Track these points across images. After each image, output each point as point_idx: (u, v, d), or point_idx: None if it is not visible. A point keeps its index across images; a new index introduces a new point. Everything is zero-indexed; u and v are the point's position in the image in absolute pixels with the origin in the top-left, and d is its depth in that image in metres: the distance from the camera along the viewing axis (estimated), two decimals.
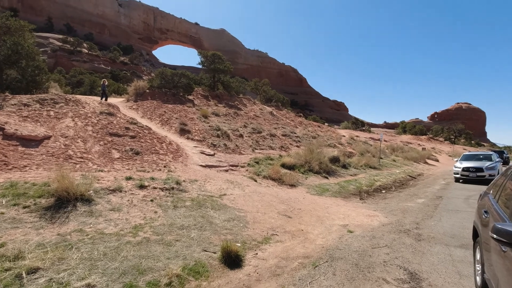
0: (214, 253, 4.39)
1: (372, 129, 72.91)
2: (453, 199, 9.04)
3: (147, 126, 12.70)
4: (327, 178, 12.59)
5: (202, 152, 11.84)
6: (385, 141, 43.13)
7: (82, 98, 15.10)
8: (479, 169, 12.69)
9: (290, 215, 6.75)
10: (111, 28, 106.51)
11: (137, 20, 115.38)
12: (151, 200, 6.11)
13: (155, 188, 6.80)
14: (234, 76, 54.25)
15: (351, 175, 14.27)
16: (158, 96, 21.29)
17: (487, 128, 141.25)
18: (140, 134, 11.35)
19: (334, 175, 13.51)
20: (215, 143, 13.32)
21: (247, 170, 10.96)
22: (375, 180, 13.80)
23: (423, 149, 37.57)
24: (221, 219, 5.78)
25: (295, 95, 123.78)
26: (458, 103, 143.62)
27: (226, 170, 10.50)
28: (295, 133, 22.31)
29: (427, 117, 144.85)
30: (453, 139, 59.96)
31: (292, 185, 10.13)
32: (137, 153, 9.53)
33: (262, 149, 15.31)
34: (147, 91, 22.12)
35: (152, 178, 7.34)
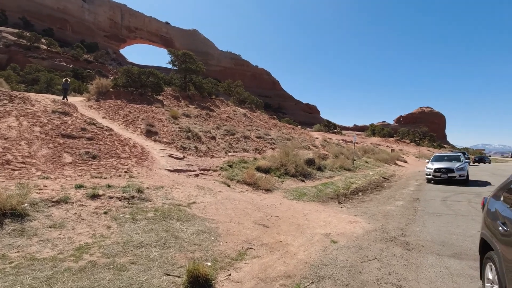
0: (178, 277, 3.61)
1: (343, 131, 74.95)
2: (431, 201, 8.93)
3: (108, 127, 11.48)
4: (303, 181, 12.15)
5: (171, 156, 10.87)
6: (356, 143, 44.33)
7: (33, 95, 13.45)
8: (450, 170, 12.95)
9: (267, 224, 6.11)
10: (74, 24, 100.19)
11: (103, 16, 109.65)
12: (105, 213, 5.16)
13: (111, 197, 5.83)
14: (207, 78, 52.99)
15: (327, 178, 13.99)
16: (124, 96, 19.82)
17: (446, 131, 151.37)
18: (99, 136, 10.16)
19: (311, 178, 13.13)
20: (185, 146, 12.38)
21: (219, 174, 10.19)
22: (351, 183, 13.62)
23: (392, 150, 38.97)
24: (189, 232, 4.99)
25: (268, 98, 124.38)
26: (421, 107, 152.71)
27: (197, 175, 9.65)
28: (270, 135, 21.85)
29: (394, 120, 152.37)
30: (418, 141, 63.20)
31: (268, 190, 9.51)
32: (93, 157, 8.40)
33: (236, 151, 14.59)
34: (111, 90, 20.52)
35: (109, 186, 6.35)
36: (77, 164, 7.70)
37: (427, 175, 13.87)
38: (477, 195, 9.84)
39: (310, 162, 15.32)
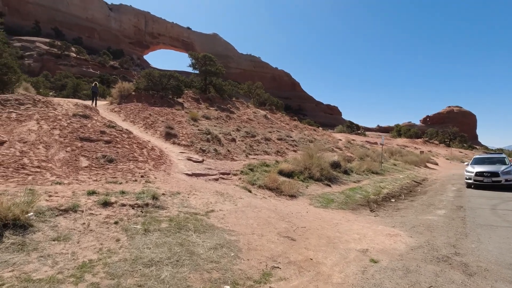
0: None
1: (366, 133, 72.30)
2: (478, 210, 7.83)
3: (127, 130, 11.27)
4: (329, 186, 11.32)
5: (189, 159, 10.46)
6: (381, 144, 42.35)
7: (57, 100, 13.60)
8: (495, 174, 11.58)
9: (294, 236, 5.42)
10: (101, 32, 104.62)
11: (128, 24, 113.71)
12: (115, 223, 4.72)
13: (123, 205, 5.40)
14: (227, 80, 53.03)
15: (354, 182, 13.03)
16: (145, 99, 19.86)
17: (477, 131, 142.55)
18: (118, 139, 9.93)
19: (337, 182, 12.25)
20: (204, 148, 11.95)
21: (240, 178, 9.62)
22: (381, 187, 12.58)
23: (421, 152, 36.77)
24: (206, 247, 4.42)
25: (288, 99, 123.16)
26: (449, 106, 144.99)
27: (216, 179, 9.14)
28: (291, 137, 21.08)
29: (420, 120, 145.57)
30: (448, 142, 59.63)
31: (292, 196, 8.81)
32: (110, 161, 8.10)
33: (257, 154, 13.99)
34: (133, 93, 20.67)
35: (123, 192, 5.94)
36: (93, 168, 7.41)
37: (467, 179, 12.53)
38: None
39: (335, 165, 14.42)
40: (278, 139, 18.93)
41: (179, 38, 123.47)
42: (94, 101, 18.72)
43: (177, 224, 5.04)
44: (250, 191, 8.36)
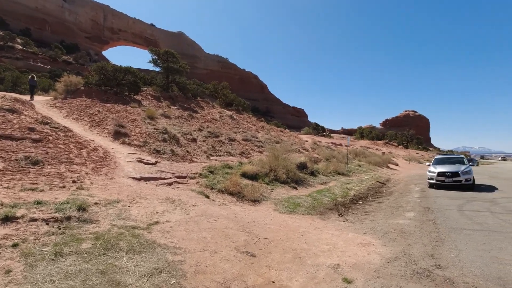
0: None
1: (331, 135, 74.36)
2: (446, 211, 7.61)
3: (65, 128, 9.67)
4: (296, 188, 10.68)
5: (140, 161, 9.18)
6: (346, 146, 43.42)
7: None
8: (455, 174, 11.79)
9: (254, 251, 4.55)
10: (53, 24, 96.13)
11: (85, 17, 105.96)
12: (14, 245, 3.49)
13: (33, 220, 4.14)
14: (192, 79, 51.14)
15: (321, 184, 12.57)
16: (96, 95, 17.88)
17: (430, 134, 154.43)
18: (51, 137, 8.36)
19: (303, 184, 11.68)
20: (159, 149, 10.69)
21: (198, 182, 8.57)
22: (348, 189, 12.25)
23: (383, 153, 38.23)
24: (139, 274, 3.38)
25: (256, 101, 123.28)
26: (406, 110, 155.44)
27: (170, 184, 8.01)
28: (257, 138, 20.35)
29: (380, 123, 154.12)
30: (406, 144, 63.27)
31: (255, 201, 7.96)
32: (35, 163, 6.63)
33: (220, 155, 12.99)
34: (82, 88, 18.53)
35: (38, 203, 4.65)
36: (8, 172, 5.92)
37: (429, 179, 12.67)
38: (493, 203, 8.63)
39: (302, 167, 13.91)
40: (244, 140, 18.07)
41: (142, 35, 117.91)
42: (32, 95, 16.71)
43: (104, 243, 3.92)
44: (207, 197, 7.36)
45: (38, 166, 6.57)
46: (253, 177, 10.16)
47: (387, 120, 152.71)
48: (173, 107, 22.13)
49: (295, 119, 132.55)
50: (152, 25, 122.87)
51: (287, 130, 47.25)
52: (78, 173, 6.83)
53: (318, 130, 65.28)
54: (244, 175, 10.02)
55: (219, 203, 7.08)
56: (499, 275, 3.63)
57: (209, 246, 4.48)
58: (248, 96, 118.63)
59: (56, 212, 4.47)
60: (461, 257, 4.30)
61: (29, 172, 6.17)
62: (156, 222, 4.97)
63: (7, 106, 9.50)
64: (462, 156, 14.27)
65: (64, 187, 5.85)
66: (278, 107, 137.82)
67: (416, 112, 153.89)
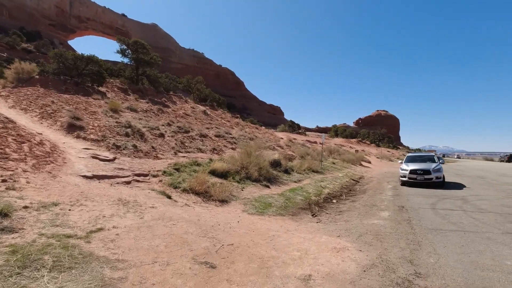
0: None
1: (306, 132, 75.22)
2: (420, 210, 7.45)
3: (6, 118, 8.42)
4: (268, 187, 10.18)
5: (95, 157, 8.19)
6: (320, 143, 43.86)
7: None
8: (427, 172, 11.89)
9: (215, 261, 3.94)
10: (12, 9, 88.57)
11: (48, 3, 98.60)
12: None
13: None
14: (165, 73, 49.12)
15: (295, 182, 12.19)
16: (53, 85, 16.25)
17: (400, 133, 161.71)
18: None
19: (276, 182, 11.21)
20: (119, 144, 9.71)
21: (160, 181, 7.77)
22: (322, 187, 11.97)
23: (356, 151, 39.03)
24: None
25: (232, 98, 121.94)
26: (378, 110, 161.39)
27: (128, 182, 7.16)
28: (231, 134, 19.67)
29: (353, 122, 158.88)
30: (378, 142, 65.39)
31: (223, 201, 7.33)
32: None
33: (189, 152, 12.18)
34: (37, 77, 16.79)
35: None
36: None
37: (401, 177, 12.73)
38: (464, 201, 8.65)
39: (275, 164, 13.46)
40: (216, 136, 17.32)
41: (112, 25, 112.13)
42: None
43: (22, 259, 3.11)
44: (169, 197, 6.62)
45: None
46: (223, 175, 9.51)
47: (360, 119, 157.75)
48: (141, 100, 20.83)
49: (271, 117, 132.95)
50: (123, 15, 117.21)
51: (263, 127, 46.92)
52: (13, 170, 5.81)
53: (294, 127, 65.63)
54: (214, 173, 9.35)
55: (182, 204, 6.37)
56: (484, 285, 3.30)
57: (161, 256, 3.80)
58: (224, 92, 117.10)
59: None
60: (441, 262, 3.97)
61: None
62: (100, 229, 4.19)
63: None
64: (433, 154, 14.56)
65: None
66: (255, 104, 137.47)
67: (387, 111, 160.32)
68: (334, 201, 9.90)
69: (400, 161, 14.93)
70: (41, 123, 10.17)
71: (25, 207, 4.35)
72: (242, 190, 8.80)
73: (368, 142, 64.96)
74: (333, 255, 4.37)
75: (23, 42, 69.14)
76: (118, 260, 3.50)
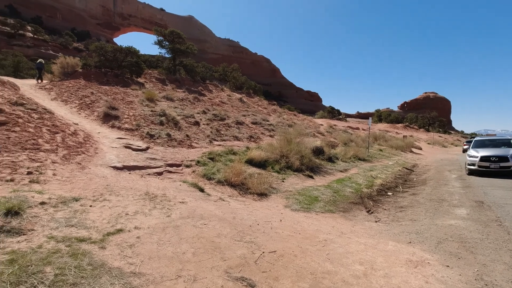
0: None
1: (347, 119, 71.39)
2: (508, 207, 5.88)
3: (45, 109, 8.40)
4: (311, 177, 9.11)
5: (128, 146, 7.82)
6: (363, 129, 41.01)
7: None
8: (503, 158, 9.85)
9: (254, 276, 3.09)
10: (64, 12, 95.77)
11: (94, 3, 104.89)
12: None
13: None
14: (202, 63, 49.32)
15: (341, 171, 10.94)
16: (95, 77, 16.63)
17: (451, 116, 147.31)
18: (20, 120, 7.09)
19: (320, 172, 10.09)
20: (153, 133, 9.30)
21: (194, 171, 7.14)
22: (373, 177, 10.56)
23: (404, 137, 35.79)
24: None
25: (268, 86, 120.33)
26: (426, 92, 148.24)
27: (159, 173, 6.62)
28: (268, 121, 18.72)
29: (398, 106, 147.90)
30: (427, 127, 59.81)
31: (262, 194, 6.47)
32: None
33: (224, 140, 11.52)
34: (80, 70, 17.34)
35: None
36: None
37: (469, 165, 10.76)
38: None
39: (318, 152, 12.28)
40: (253, 123, 16.51)
41: (152, 20, 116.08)
42: (39, 78, 16.01)
43: (19, 272, 2.53)
44: (202, 190, 5.92)
45: None
46: (261, 164, 8.66)
47: (405, 102, 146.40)
48: (178, 90, 20.70)
49: (308, 103, 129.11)
50: (162, 9, 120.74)
51: (301, 114, 45.21)
52: (41, 162, 5.52)
53: (334, 113, 62.53)
54: (251, 162, 8.53)
55: (216, 199, 5.63)
56: None
57: (188, 268, 3.04)
58: (260, 80, 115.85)
59: None
60: None
61: None
62: (119, 230, 3.56)
63: None
64: (510, 137, 12.15)
65: (12, 180, 4.53)
66: (291, 91, 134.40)
67: (436, 93, 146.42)
68: (390, 193, 8.53)
69: (466, 147, 12.74)
70: (79, 113, 10.17)
71: (42, 203, 3.89)
72: (283, 181, 7.86)
73: (416, 127, 59.57)
74: (411, 272, 3.26)
75: (74, 42, 74.60)
76: (134, 274, 2.80)
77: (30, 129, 6.81)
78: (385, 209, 6.55)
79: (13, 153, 5.54)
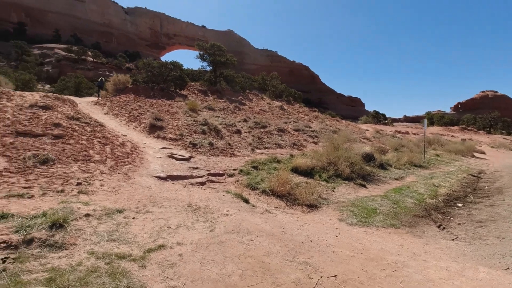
0: None
1: (394, 123, 66.82)
2: None
3: (97, 122, 8.84)
4: (364, 186, 8.24)
5: (171, 156, 7.81)
6: (413, 134, 37.87)
7: (22, 93, 11.43)
8: None
9: None
10: (118, 36, 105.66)
11: (144, 27, 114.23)
12: None
13: None
14: (241, 73, 50.21)
15: (396, 179, 9.84)
16: (143, 92, 17.54)
17: None
18: (75, 133, 7.46)
19: (373, 180, 9.14)
20: (195, 142, 9.26)
21: (237, 181, 6.82)
22: (435, 186, 9.29)
23: (463, 140, 32.16)
24: None
25: (308, 93, 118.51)
26: (483, 91, 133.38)
27: (202, 183, 6.41)
28: (311, 128, 17.99)
29: (450, 108, 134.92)
30: (488, 129, 53.35)
31: (312, 206, 5.87)
32: (44, 162, 5.60)
33: (266, 148, 11.12)
34: (130, 86, 18.46)
35: (3, 217, 3.34)
36: (6, 174, 4.91)
37: None
38: None
39: (368, 158, 11.27)
40: (295, 130, 15.93)
41: (194, 37, 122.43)
42: (98, 95, 17.71)
43: None
44: (246, 201, 5.53)
45: (46, 165, 5.51)
46: (308, 173, 8.05)
47: (459, 103, 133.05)
48: (219, 100, 21.01)
49: (350, 109, 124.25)
50: (203, 26, 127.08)
51: (343, 120, 43.30)
52: (91, 172, 5.62)
53: (379, 118, 59.07)
54: (296, 170, 7.98)
55: (261, 210, 5.18)
56: None
57: None
58: (299, 88, 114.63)
59: (16, 231, 3.08)
60: None
61: (30, 173, 5.09)
62: (160, 246, 3.28)
63: (41, 103, 9.02)
64: None
65: (62, 191, 4.60)
66: (332, 97, 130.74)
67: (496, 92, 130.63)
68: (460, 204, 7.31)
69: None
70: (128, 125, 10.60)
71: (87, 215, 3.80)
72: (333, 191, 7.16)
73: (475, 129, 53.38)
74: None
75: (126, 62, 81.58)
76: None
77: (83, 141, 7.12)
78: (459, 224, 5.51)
79: (66, 165, 5.74)
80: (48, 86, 34.85)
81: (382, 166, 11.55)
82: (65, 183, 4.89)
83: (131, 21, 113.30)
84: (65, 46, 75.76)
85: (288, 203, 5.85)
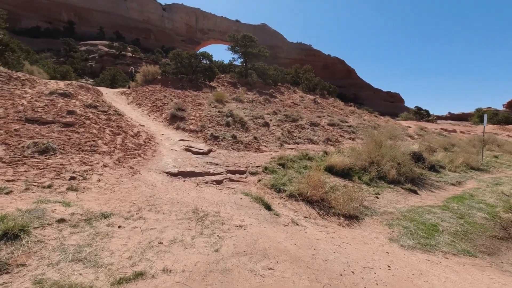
0: None
1: (438, 121, 61.24)
2: None
3: (115, 111, 8.29)
4: (415, 192, 6.76)
5: (188, 149, 6.97)
6: (461, 132, 34.03)
7: (47, 81, 11.36)
8: None
9: None
10: (156, 32, 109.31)
11: (180, 22, 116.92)
12: None
13: None
14: (273, 65, 48.82)
15: (453, 184, 8.14)
16: (171, 83, 17.13)
17: None
18: (88, 121, 6.91)
19: (425, 185, 7.58)
20: (217, 135, 8.36)
21: (260, 180, 5.77)
22: (505, 194, 7.48)
23: None
24: None
25: (342, 88, 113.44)
26: None
27: (219, 182, 5.45)
28: (347, 122, 16.36)
29: (503, 105, 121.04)
30: None
31: (351, 217, 4.63)
32: (43, 152, 5.00)
33: (297, 143, 9.92)
34: (159, 77, 18.19)
35: None
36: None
37: None
38: None
39: (416, 158, 9.60)
40: (329, 125, 14.46)
41: (228, 31, 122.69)
42: (129, 85, 17.91)
43: None
44: (269, 207, 4.45)
45: (44, 155, 4.90)
46: (345, 173, 6.77)
47: None
48: (249, 92, 20.06)
49: (388, 105, 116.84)
50: (237, 21, 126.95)
51: (381, 116, 40.20)
52: (91, 165, 4.91)
53: (421, 114, 54.26)
54: (331, 170, 6.73)
55: (287, 221, 4.08)
56: None
57: None
58: (334, 82, 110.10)
59: None
60: None
61: (24, 163, 4.48)
62: (138, 275, 2.34)
63: (61, 91, 8.68)
64: None
65: (49, 186, 3.89)
66: (368, 93, 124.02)
67: None
68: None
69: None
70: (149, 115, 10.01)
71: (61, 220, 2.99)
72: (377, 197, 5.83)
73: None
74: None
75: (163, 57, 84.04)
76: None
77: (94, 130, 6.52)
78: None
79: (67, 155, 5.09)
80: (91, 80, 36.55)
81: (433, 168, 9.82)
82: (56, 177, 4.20)
83: (168, 17, 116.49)
84: (107, 42, 79.79)
85: (320, 212, 4.67)
